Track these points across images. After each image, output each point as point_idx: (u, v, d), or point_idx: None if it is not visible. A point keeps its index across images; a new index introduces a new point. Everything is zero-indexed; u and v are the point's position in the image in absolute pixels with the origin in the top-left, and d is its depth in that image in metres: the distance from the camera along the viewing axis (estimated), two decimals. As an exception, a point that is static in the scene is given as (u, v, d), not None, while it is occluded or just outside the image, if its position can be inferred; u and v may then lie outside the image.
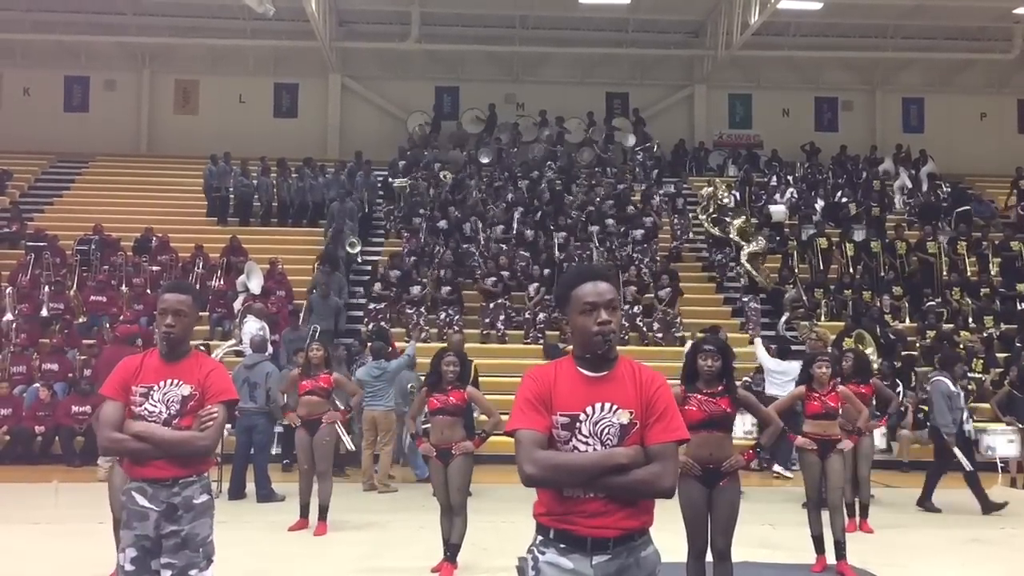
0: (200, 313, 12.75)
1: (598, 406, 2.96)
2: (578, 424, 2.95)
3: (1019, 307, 17.15)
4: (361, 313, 16.37)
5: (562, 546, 2.95)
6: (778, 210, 20.00)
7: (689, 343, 9.95)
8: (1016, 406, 13.22)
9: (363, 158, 20.97)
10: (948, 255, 18.48)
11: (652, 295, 16.63)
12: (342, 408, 9.39)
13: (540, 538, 3.02)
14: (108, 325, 15.23)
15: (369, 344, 12.82)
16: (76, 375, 14.21)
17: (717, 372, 5.82)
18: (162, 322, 4.19)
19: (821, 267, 18.23)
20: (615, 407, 2.97)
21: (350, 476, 11.73)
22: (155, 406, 4.12)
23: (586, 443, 2.95)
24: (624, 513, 2.93)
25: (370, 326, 15.45)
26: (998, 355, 15.86)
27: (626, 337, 15.94)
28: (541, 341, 15.54)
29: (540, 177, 20.88)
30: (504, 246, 17.84)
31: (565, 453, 2.95)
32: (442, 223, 18.64)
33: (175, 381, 4.15)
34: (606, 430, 2.94)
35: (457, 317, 15.95)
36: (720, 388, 5.81)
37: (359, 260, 18.05)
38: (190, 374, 4.18)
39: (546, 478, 2.94)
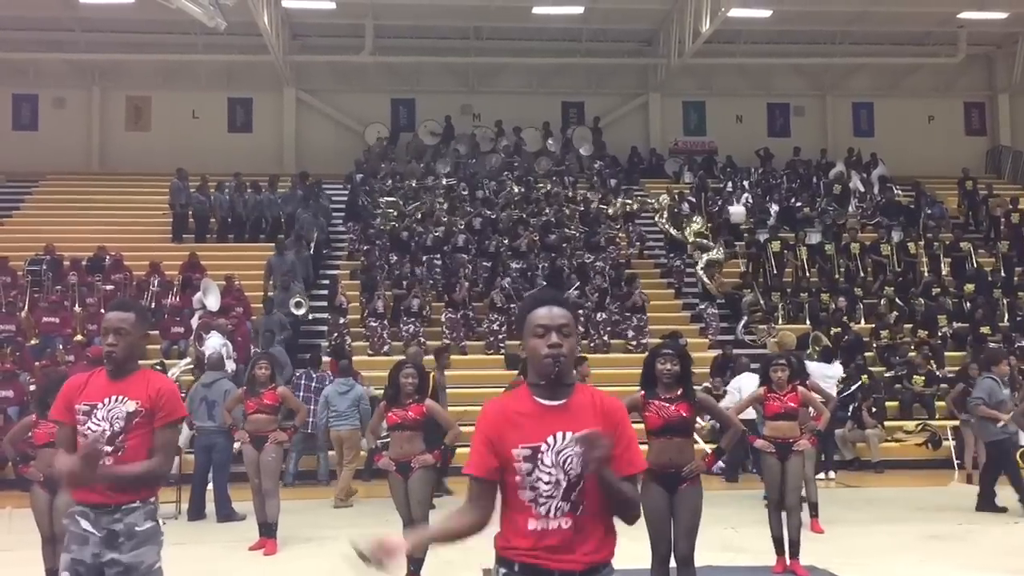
0: (151, 331, 12.40)
1: (559, 435, 2.92)
2: (540, 455, 2.92)
3: (967, 307, 17.47)
4: (325, 328, 16.18)
5: None
6: (737, 211, 20.20)
7: None
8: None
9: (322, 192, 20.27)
10: (901, 256, 18.78)
11: (615, 302, 16.64)
12: (290, 427, 9.23)
13: (504, 571, 3.00)
14: (62, 347, 14.92)
15: (328, 359, 12.72)
16: (30, 399, 13.89)
17: (675, 376, 5.84)
18: (104, 341, 4.12)
19: (776, 271, 18.42)
20: None
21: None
22: (98, 424, 4.01)
23: (549, 473, 2.92)
24: (588, 547, 2.92)
25: (335, 338, 15.28)
26: (948, 353, 16.18)
27: (592, 344, 15.95)
28: (503, 351, 15.53)
29: (499, 188, 20.89)
30: (466, 256, 17.79)
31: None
32: (403, 234, 18.56)
33: (120, 397, 4.05)
34: (569, 460, 2.91)
35: (420, 329, 15.88)
36: (679, 393, 5.83)
37: (308, 318, 16.50)
38: (136, 390, 4.08)
39: None
